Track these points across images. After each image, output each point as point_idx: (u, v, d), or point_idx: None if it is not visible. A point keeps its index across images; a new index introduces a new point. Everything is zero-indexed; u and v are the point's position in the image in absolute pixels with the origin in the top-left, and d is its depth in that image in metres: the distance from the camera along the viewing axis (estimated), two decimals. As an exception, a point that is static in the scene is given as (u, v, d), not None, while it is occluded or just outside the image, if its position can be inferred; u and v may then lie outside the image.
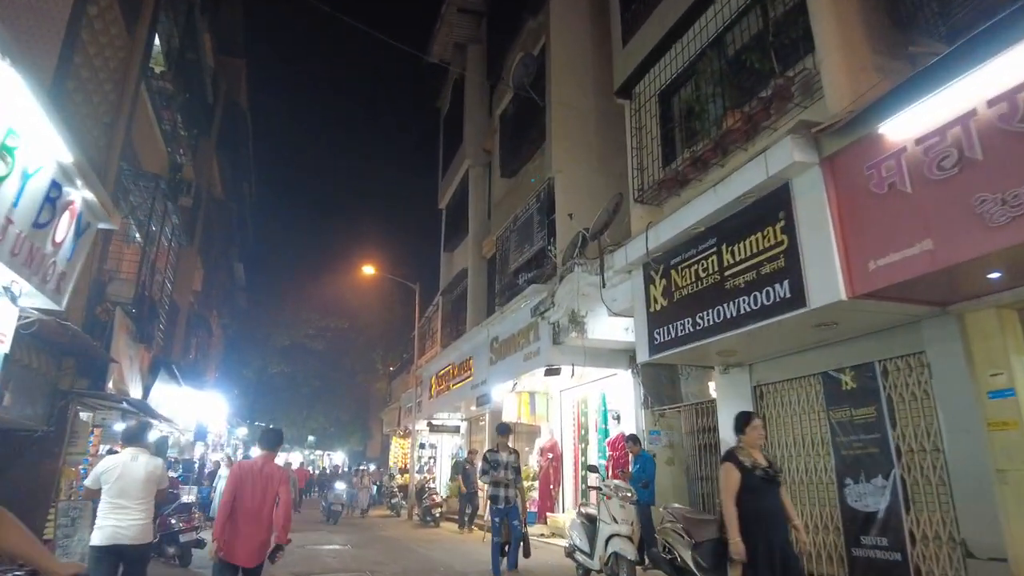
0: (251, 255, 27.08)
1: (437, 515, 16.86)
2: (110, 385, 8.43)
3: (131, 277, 9.44)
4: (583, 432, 13.31)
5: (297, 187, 63.94)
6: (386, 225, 61.60)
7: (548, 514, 13.00)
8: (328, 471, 39.42)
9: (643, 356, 8.13)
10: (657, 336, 7.81)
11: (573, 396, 13.75)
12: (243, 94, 22.79)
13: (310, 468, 48.75)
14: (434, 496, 17.26)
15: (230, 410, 24.10)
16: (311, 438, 50.01)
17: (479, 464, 13.93)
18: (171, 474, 13.24)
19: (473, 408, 17.60)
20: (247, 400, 36.12)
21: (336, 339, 36.75)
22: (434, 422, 20.42)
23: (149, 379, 11.10)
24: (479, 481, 10.13)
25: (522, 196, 13.50)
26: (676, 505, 7.71)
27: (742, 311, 6.40)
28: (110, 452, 9.07)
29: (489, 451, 9.40)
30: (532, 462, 14.93)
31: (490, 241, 16.31)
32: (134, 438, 5.15)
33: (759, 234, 6.30)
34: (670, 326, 7.55)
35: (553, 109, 12.18)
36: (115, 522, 4.62)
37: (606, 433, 12.39)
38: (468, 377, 15.31)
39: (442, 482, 21.79)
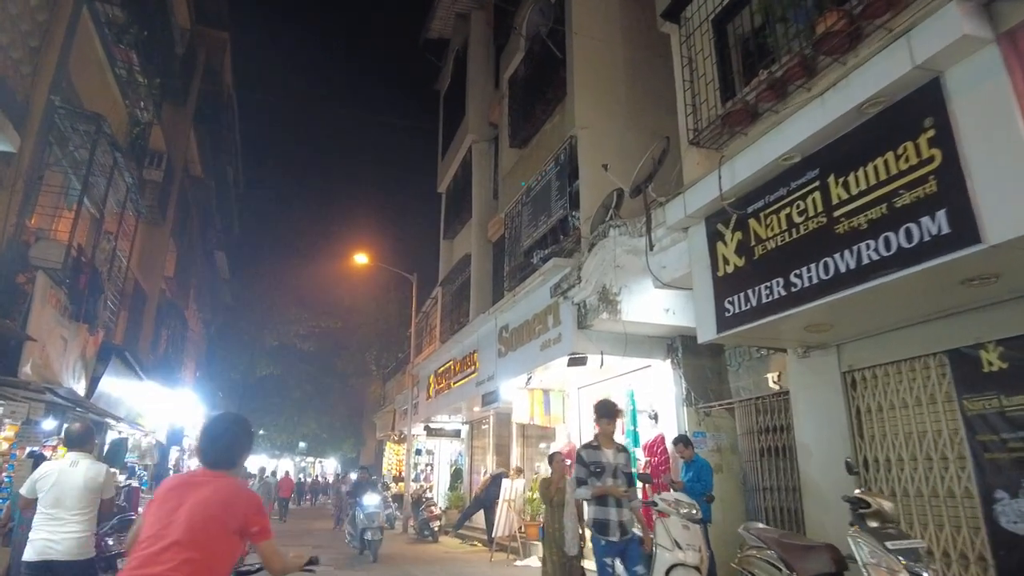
0: (235, 246, 25.38)
1: (436, 528, 15.06)
2: (27, 370, 6.65)
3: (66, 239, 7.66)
4: (606, 435, 11.52)
5: (286, 175, 61.26)
6: (381, 214, 58.62)
7: (567, 530, 11.19)
8: (331, 478, 37.48)
9: (707, 334, 6.38)
10: (728, 307, 6.07)
11: (593, 394, 11.97)
12: (227, 72, 21.08)
13: (300, 476, 46.78)
14: (432, 507, 15.47)
15: (208, 409, 22.22)
16: (302, 444, 48.12)
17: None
18: (132, 483, 11.47)
19: (476, 409, 15.82)
20: (234, 404, 34.17)
21: (328, 340, 34.87)
22: (432, 425, 18.64)
23: (98, 369, 9.30)
24: (573, 496, 6.90)
25: (536, 164, 11.78)
26: (759, 525, 5.96)
27: (866, 260, 4.67)
28: (32, 456, 7.31)
29: (586, 447, 5.95)
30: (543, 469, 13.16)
31: (497, 221, 14.58)
32: (77, 441, 4.59)
33: (890, 154, 4.58)
34: (747, 292, 5.82)
35: (575, 58, 10.47)
36: (47, 535, 4.15)
37: (635, 437, 10.62)
38: (472, 373, 13.54)
39: (440, 491, 20.00)
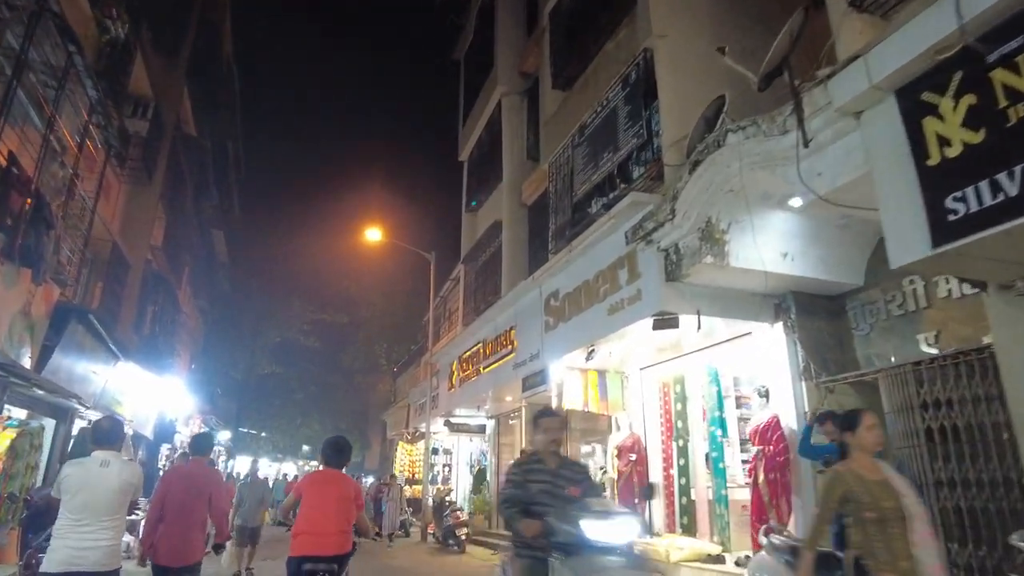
0: (235, 229, 23.23)
1: (462, 537, 13.00)
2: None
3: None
4: (678, 425, 9.50)
5: (289, 157, 58.31)
6: (393, 194, 54.57)
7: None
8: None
9: (911, 252, 4.33)
10: (956, 206, 4.03)
11: (659, 375, 9.97)
12: (227, 38, 19.19)
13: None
14: (458, 513, 13.41)
15: (203, 405, 20.18)
16: (305, 447, 46.03)
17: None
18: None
19: (509, 399, 13.82)
20: (233, 403, 32.17)
21: (333, 334, 32.92)
22: (454, 420, 16.59)
23: (50, 336, 7.31)
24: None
25: (590, 99, 9.80)
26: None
27: None
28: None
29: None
30: (599, 464, 11.14)
31: (534, 180, 12.61)
32: (106, 438, 4.10)
33: None
34: (998, 178, 3.80)
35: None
36: (74, 543, 3.68)
37: (723, 424, 8.62)
38: (508, 354, 11.53)
39: (459, 494, 17.97)
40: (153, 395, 13.02)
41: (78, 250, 8.45)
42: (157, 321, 13.60)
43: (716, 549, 8.11)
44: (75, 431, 9.72)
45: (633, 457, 9.54)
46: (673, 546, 8.22)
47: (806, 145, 5.08)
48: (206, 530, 5.00)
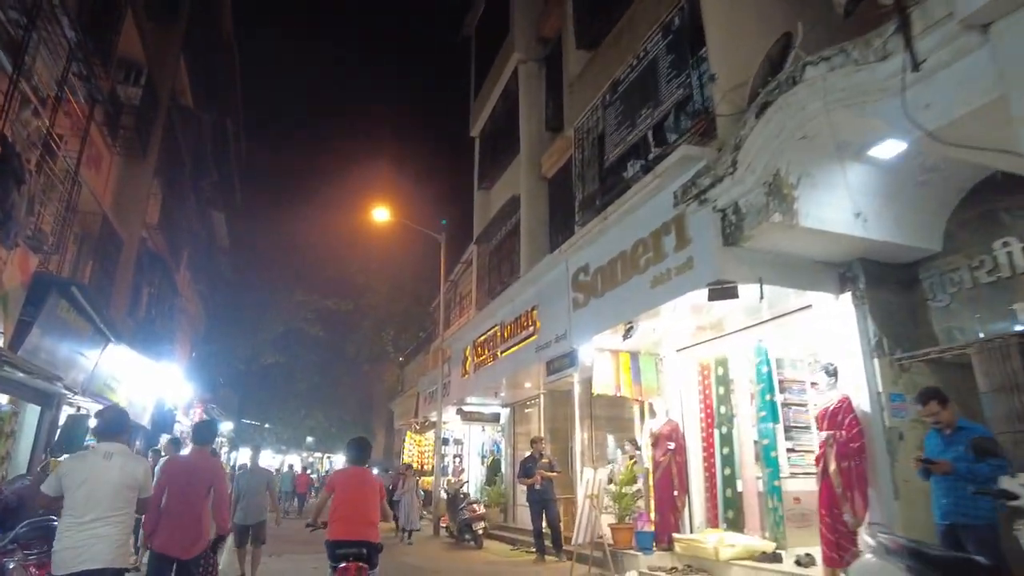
0: (236, 212, 22.41)
1: (479, 531, 12.24)
2: None
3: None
4: (720, 410, 8.70)
5: (293, 133, 56.53)
6: (399, 175, 51.84)
7: (674, 535, 8.37)
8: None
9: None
10: None
11: (698, 357, 9.17)
12: (227, 10, 18.30)
13: (308, 471, 43.86)
14: (475, 506, 12.63)
15: (205, 393, 19.43)
16: (309, 439, 45.43)
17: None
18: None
19: (528, 386, 13.03)
20: (237, 393, 31.51)
21: (337, 323, 32.08)
22: (467, 409, 15.80)
23: (28, 311, 6.51)
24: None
25: (623, 53, 8.94)
26: None
27: None
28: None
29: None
30: (634, 455, 10.37)
31: (556, 150, 11.76)
32: (109, 430, 3.91)
33: None
34: None
35: None
36: (78, 542, 3.49)
37: (773, 409, 7.82)
38: (530, 335, 10.72)
39: (472, 486, 17.20)
40: (150, 382, 12.24)
41: (61, 216, 7.63)
42: (154, 304, 12.81)
43: (769, 546, 7.32)
44: (63, 418, 8.95)
45: (671, 446, 8.74)
46: (723, 543, 7.44)
47: (916, 69, 4.23)
48: (208, 522, 4.84)
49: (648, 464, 9.08)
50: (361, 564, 4.68)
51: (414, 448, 22.64)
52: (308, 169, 57.59)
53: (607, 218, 7.99)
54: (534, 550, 11.25)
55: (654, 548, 8.44)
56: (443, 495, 14.95)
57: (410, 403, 22.35)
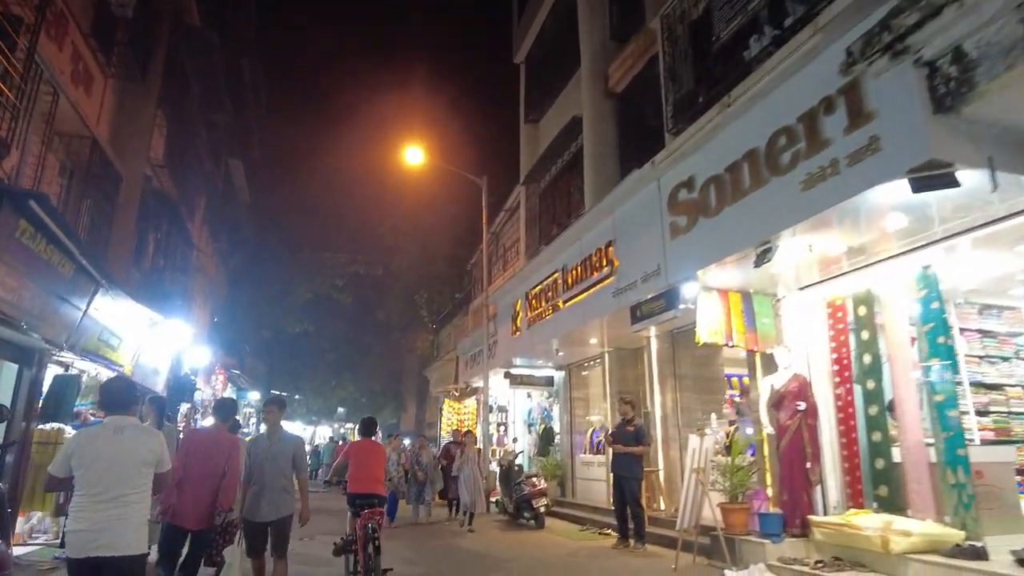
0: (255, 163, 20.67)
1: (540, 509, 10.59)
2: None
3: None
4: (863, 360, 6.79)
5: (315, 73, 51.51)
6: (433, 116, 45.65)
7: (810, 518, 6.56)
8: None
9: None
10: None
11: (827, 295, 7.25)
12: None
13: (340, 443, 42.80)
14: (534, 480, 10.96)
15: (227, 358, 17.98)
16: (340, 409, 44.46)
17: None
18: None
19: (592, 341, 11.21)
20: (264, 364, 30.26)
21: (367, 289, 30.58)
22: (515, 372, 14.09)
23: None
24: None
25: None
26: None
27: None
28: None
29: None
30: (734, 420, 8.59)
31: (629, 56, 9.78)
32: (118, 401, 3.58)
33: None
34: None
35: None
36: (89, 524, 3.19)
37: (949, 355, 5.93)
38: (605, 278, 8.87)
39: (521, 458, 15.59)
40: (161, 342, 10.69)
41: (15, 109, 5.91)
42: (162, 254, 11.20)
43: (956, 535, 5.48)
44: (48, 380, 7.39)
45: (801, 407, 6.87)
46: (891, 530, 5.60)
47: None
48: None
49: (769, 429, 7.22)
50: (376, 508, 5.88)
51: (453, 416, 21.07)
52: (333, 117, 52.98)
53: (730, 104, 6.03)
54: (609, 532, 9.59)
55: (784, 531, 6.66)
56: (494, 467, 13.34)
57: (448, 369, 20.74)
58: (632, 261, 8.15)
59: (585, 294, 9.47)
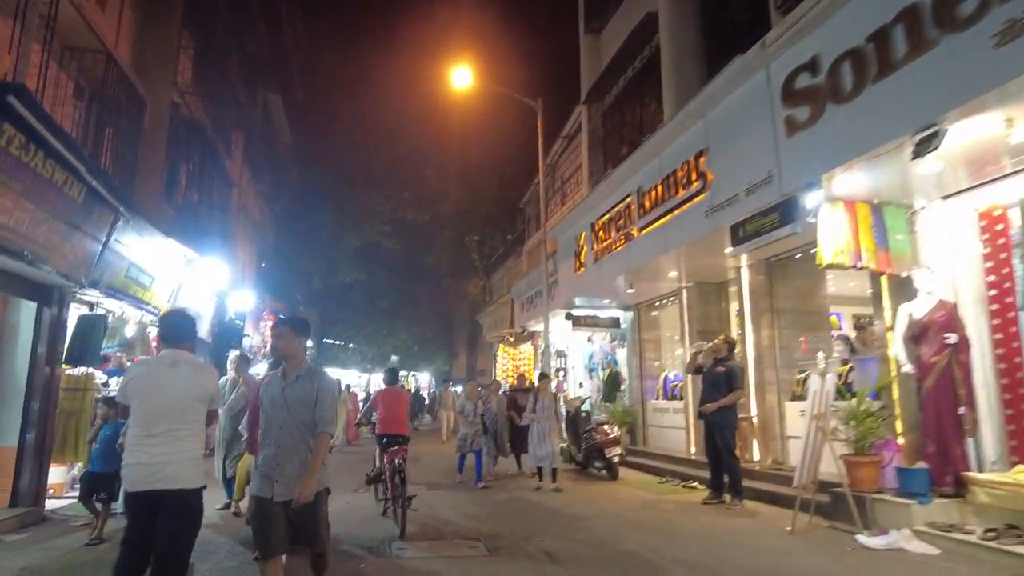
0: (296, 101, 19.62)
1: (615, 459, 9.61)
2: None
3: None
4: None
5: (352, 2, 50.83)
6: (480, 38, 39.91)
7: (968, 475, 5.34)
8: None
9: None
10: None
11: (978, 204, 5.81)
12: None
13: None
14: (606, 428, 9.95)
15: (274, 304, 17.42)
16: (394, 358, 44.58)
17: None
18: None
19: (671, 275, 9.96)
20: (316, 314, 29.98)
21: (415, 235, 29.75)
22: (578, 313, 12.98)
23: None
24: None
25: None
26: None
27: None
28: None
29: None
30: (848, 359, 7.32)
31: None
32: (175, 335, 3.47)
33: None
34: None
35: None
36: (147, 458, 3.12)
37: None
38: (694, 197, 7.56)
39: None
40: (200, 283, 9.96)
41: (20, 21, 4.95)
42: (196, 187, 10.37)
43: None
44: (72, 320, 6.66)
45: (951, 339, 5.56)
46: None
47: None
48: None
49: (907, 367, 5.94)
50: (401, 446, 6.63)
51: (508, 363, 20.32)
52: (375, 47, 49.89)
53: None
54: (694, 484, 8.56)
55: (931, 490, 5.47)
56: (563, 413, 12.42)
57: (502, 313, 19.81)
58: (732, 171, 6.82)
59: (667, 217, 8.20)
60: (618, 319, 12.94)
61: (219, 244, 11.13)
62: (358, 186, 27.39)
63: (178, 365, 3.30)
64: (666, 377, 11.79)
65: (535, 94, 13.24)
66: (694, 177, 7.54)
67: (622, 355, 14.14)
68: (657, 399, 11.72)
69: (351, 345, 39.48)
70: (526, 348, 19.09)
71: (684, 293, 10.53)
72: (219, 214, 11.52)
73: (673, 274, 9.68)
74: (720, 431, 7.40)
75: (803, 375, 8.11)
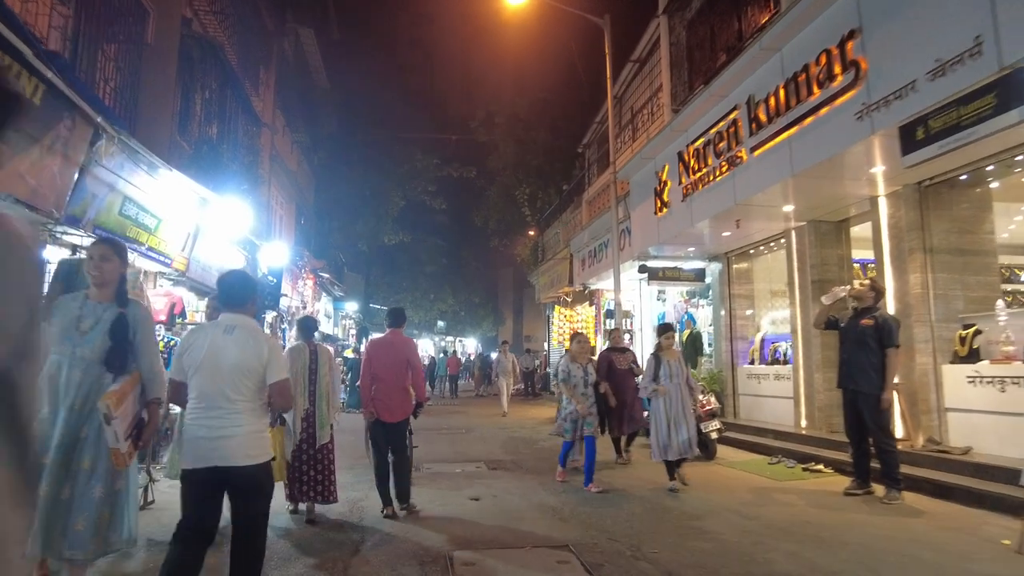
0: (331, 39, 17.96)
1: (712, 435, 7.97)
2: None
3: None
4: None
5: None
6: None
7: None
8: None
9: None
10: None
11: None
12: None
13: (442, 355, 42.23)
14: (700, 399, 8.28)
15: (314, 261, 16.15)
16: (440, 323, 43.60)
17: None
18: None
19: (785, 210, 8.13)
20: (361, 276, 28.91)
21: (462, 193, 28.23)
22: (655, 264, 11.25)
23: None
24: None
25: None
26: None
27: None
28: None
29: None
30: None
31: None
32: (232, 297, 3.09)
33: None
34: None
35: None
36: (206, 432, 2.87)
37: None
38: (839, 95, 5.70)
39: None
40: (224, 231, 8.63)
41: None
42: (215, 119, 8.95)
43: None
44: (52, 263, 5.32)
45: None
46: None
47: None
48: (411, 393, 5.41)
49: None
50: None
51: (564, 325, 18.67)
52: None
53: None
54: (820, 468, 6.89)
55: None
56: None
57: (558, 271, 18.16)
58: (902, 51, 4.96)
59: (794, 129, 6.37)
60: (703, 271, 11.16)
61: (247, 189, 9.76)
62: (401, 141, 25.84)
63: (233, 331, 2.97)
64: (764, 338, 10.03)
65: (601, 11, 11.35)
66: (838, 70, 5.67)
67: (703, 314, 12.39)
68: (752, 363, 9.99)
69: (396, 307, 38.71)
70: (584, 310, 17.43)
71: (793, 235, 8.70)
72: (247, 156, 10.13)
73: (789, 208, 7.83)
74: (868, 402, 5.69)
75: (969, 330, 6.28)
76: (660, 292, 14.06)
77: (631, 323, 15.60)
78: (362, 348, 22.04)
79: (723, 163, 7.75)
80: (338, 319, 24.19)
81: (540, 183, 23.02)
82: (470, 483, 6.61)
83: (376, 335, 23.95)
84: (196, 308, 10.10)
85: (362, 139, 22.93)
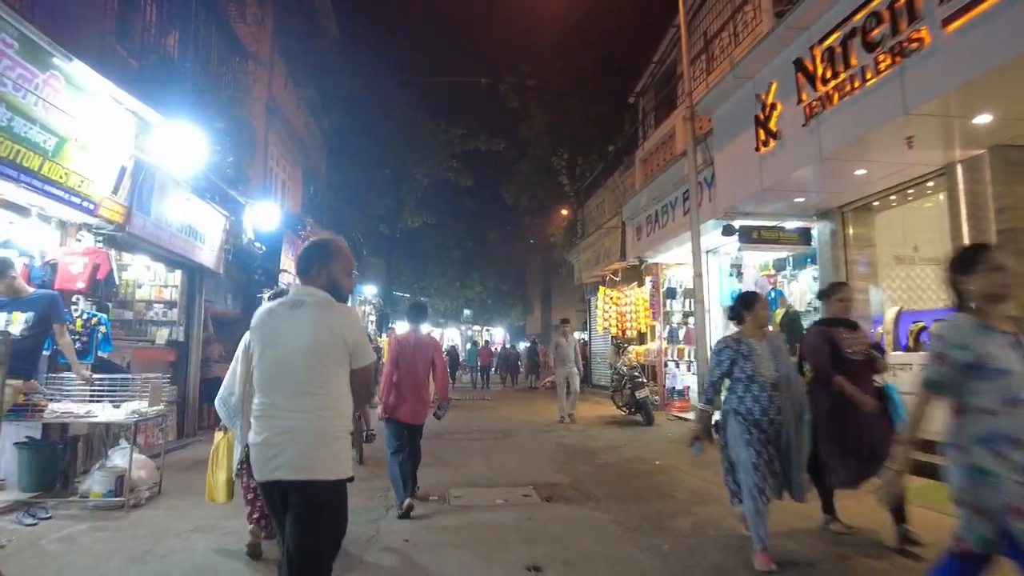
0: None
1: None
2: None
3: None
4: None
5: None
6: None
7: None
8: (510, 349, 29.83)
9: None
10: None
11: None
12: None
13: (468, 345, 40.13)
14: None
15: (313, 226, 13.89)
16: (467, 312, 41.50)
17: None
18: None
19: (978, 123, 5.62)
20: (382, 260, 26.85)
21: (490, 167, 25.99)
22: (748, 224, 8.77)
23: None
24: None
25: None
26: None
27: None
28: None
29: None
30: None
31: None
32: (306, 265, 2.45)
33: None
34: None
35: None
36: (266, 437, 2.25)
37: None
38: None
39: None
40: (171, 166, 6.41)
41: None
42: (173, 28, 6.75)
43: None
44: None
45: None
46: None
47: None
48: (430, 393, 5.31)
49: None
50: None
51: (610, 308, 16.22)
52: None
53: None
54: None
55: None
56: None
57: (603, 246, 15.74)
58: None
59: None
60: (807, 232, 8.69)
61: (223, 129, 7.54)
62: (423, 110, 23.55)
63: (300, 307, 2.30)
64: (900, 313, 7.55)
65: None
66: None
67: (797, 289, 9.93)
68: (891, 351, 7.54)
69: (422, 298, 36.71)
70: (632, 292, 14.98)
71: (959, 171, 6.22)
72: (226, 89, 7.91)
73: (985, 119, 5.32)
74: None
75: None
76: (733, 265, 11.63)
77: (689, 303, 13.12)
78: (383, 336, 20.08)
79: (883, 57, 5.30)
80: (355, 303, 22.09)
81: (580, 149, 20.53)
82: (519, 530, 4.38)
83: (399, 324, 21.77)
84: (165, 281, 8.00)
85: (378, 102, 20.63)
